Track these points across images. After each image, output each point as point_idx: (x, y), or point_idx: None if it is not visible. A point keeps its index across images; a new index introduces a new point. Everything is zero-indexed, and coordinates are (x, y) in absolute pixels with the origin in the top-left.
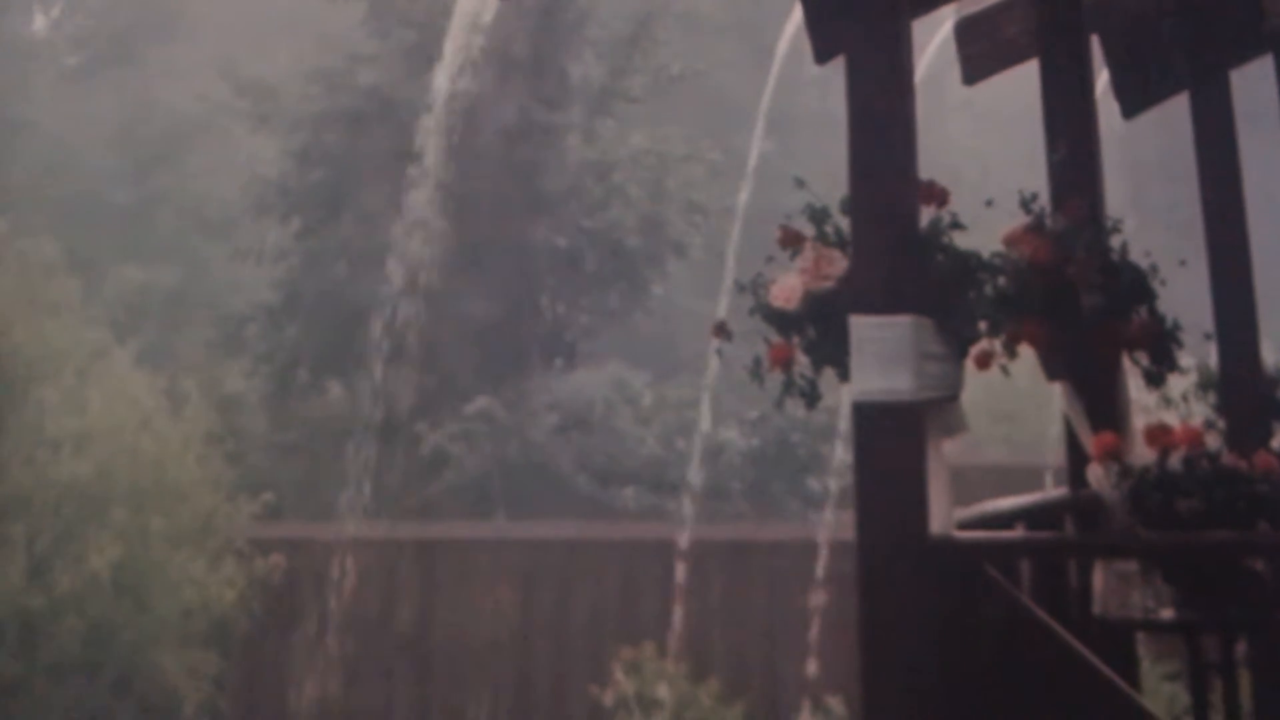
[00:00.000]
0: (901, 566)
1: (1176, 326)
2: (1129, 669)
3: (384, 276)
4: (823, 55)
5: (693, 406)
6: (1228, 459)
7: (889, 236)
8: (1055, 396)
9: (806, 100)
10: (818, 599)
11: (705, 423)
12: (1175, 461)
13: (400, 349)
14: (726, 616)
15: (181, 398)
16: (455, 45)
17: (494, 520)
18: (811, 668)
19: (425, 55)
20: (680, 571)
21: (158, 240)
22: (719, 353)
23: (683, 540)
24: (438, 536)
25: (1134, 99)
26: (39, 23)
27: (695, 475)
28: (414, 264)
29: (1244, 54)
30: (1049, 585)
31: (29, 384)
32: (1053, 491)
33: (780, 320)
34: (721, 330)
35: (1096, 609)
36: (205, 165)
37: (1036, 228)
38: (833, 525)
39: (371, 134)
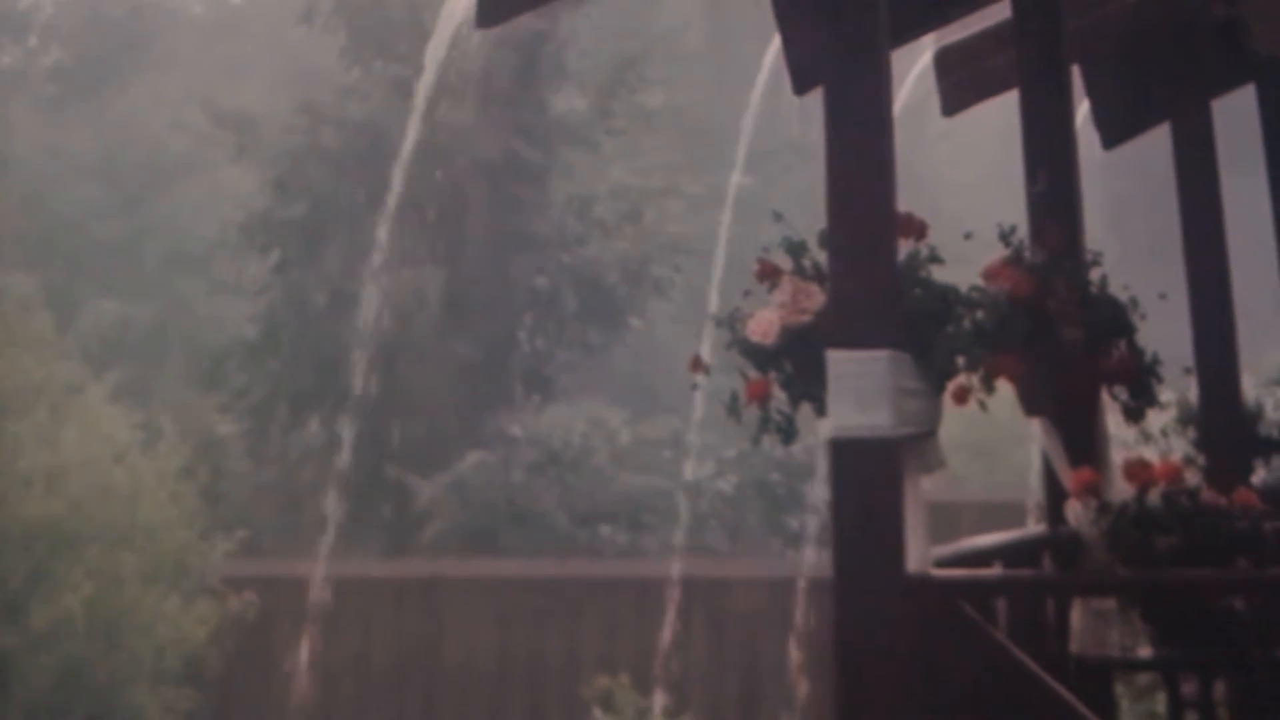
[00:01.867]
0: (877, 604)
1: (1156, 360)
2: (1107, 709)
3: (363, 313)
4: (801, 86)
5: (670, 444)
6: (1207, 495)
7: (867, 270)
8: (1034, 432)
9: (787, 131)
10: (795, 638)
11: (688, 460)
12: (1154, 498)
13: (379, 387)
14: (704, 655)
15: (156, 434)
16: (433, 78)
17: (472, 558)
18: (789, 707)
19: (407, 88)
20: (659, 609)
21: (138, 275)
22: (694, 387)
23: (663, 578)
24: (414, 574)
25: (1114, 129)
26: (14, 54)
27: (676, 513)
28: (393, 302)
29: (1226, 83)
30: (1026, 623)
31: (2, 419)
32: (1031, 528)
33: (757, 355)
34: (698, 364)
35: (1074, 647)
36: (186, 199)
37: (1015, 261)
38: (811, 563)
39: (352, 167)
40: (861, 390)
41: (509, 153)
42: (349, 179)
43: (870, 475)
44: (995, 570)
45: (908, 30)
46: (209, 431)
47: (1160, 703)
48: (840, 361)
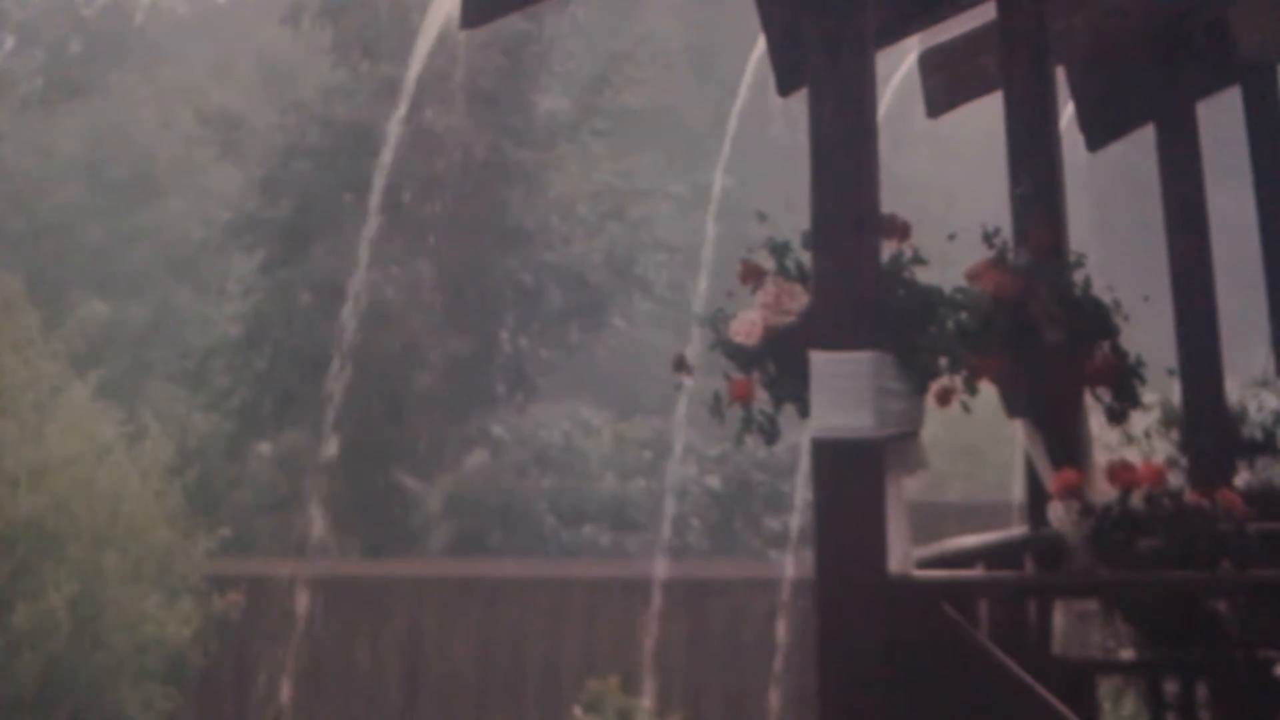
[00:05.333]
0: (859, 605)
1: (1139, 362)
2: (1089, 711)
3: (349, 311)
4: (785, 87)
5: (652, 444)
6: (1190, 497)
7: (850, 271)
8: (1017, 433)
9: (771, 131)
10: (778, 638)
11: (674, 460)
12: (1137, 499)
13: (362, 385)
14: (687, 655)
15: (142, 432)
16: (419, 78)
17: (457, 558)
18: (772, 708)
19: (394, 88)
20: (642, 610)
21: (125, 274)
22: (677, 387)
23: (648, 577)
24: (396, 574)
25: (1099, 132)
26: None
27: (662, 513)
28: (379, 300)
29: (1211, 86)
30: (1009, 625)
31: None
32: (1013, 530)
33: (740, 355)
34: (682, 365)
35: (1056, 649)
36: (173, 198)
37: (999, 262)
38: (793, 564)
39: (339, 166)
40: (844, 391)
41: (494, 152)
42: (335, 178)
43: (852, 476)
44: (977, 571)
45: (893, 32)
46: (195, 430)
47: (1127, 707)
48: (823, 362)
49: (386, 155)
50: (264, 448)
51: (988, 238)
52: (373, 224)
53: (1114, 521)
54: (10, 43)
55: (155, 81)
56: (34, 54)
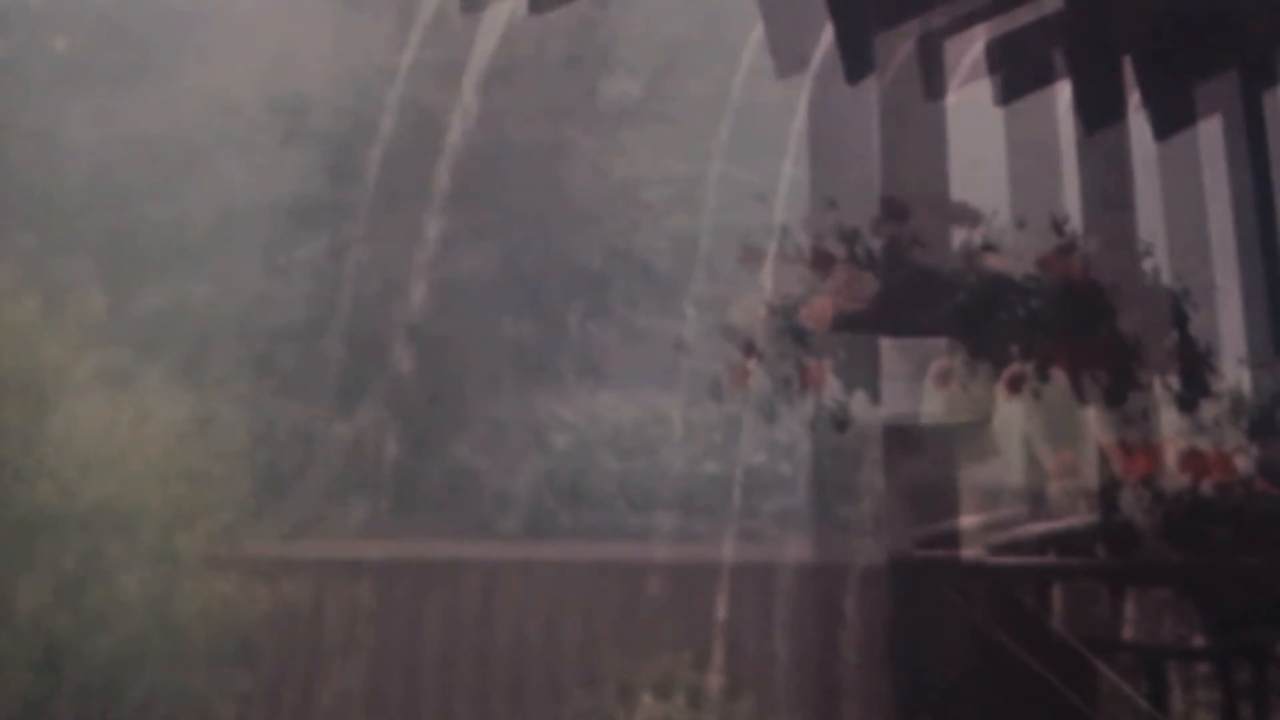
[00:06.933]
0: (933, 589)
1: (1209, 350)
2: (1161, 696)
3: (415, 295)
4: (855, 75)
5: (719, 429)
6: (1260, 485)
7: (920, 258)
8: (1090, 420)
9: (838, 120)
10: (848, 622)
11: (744, 446)
12: (1207, 487)
13: (430, 369)
14: (757, 638)
15: (211, 416)
16: (481, 61)
17: (525, 542)
18: (842, 693)
19: (459, 72)
20: (711, 593)
21: (187, 259)
22: (748, 375)
23: (719, 561)
24: (465, 556)
25: (1166, 120)
26: (59, 42)
27: (728, 498)
28: (445, 284)
29: (1273, 75)
30: (1078, 611)
31: (58, 402)
32: (1083, 516)
33: (810, 342)
34: (751, 351)
35: (1128, 635)
36: (236, 181)
37: (1069, 250)
38: (863, 549)
39: (402, 152)
40: (915, 378)
41: (561, 136)
42: (399, 162)
43: (923, 462)
44: (1050, 558)
45: (896, 17)
46: (263, 413)
47: (1200, 694)
48: (894, 349)
49: (451, 139)
50: (332, 431)
51: (1057, 225)
52: (436, 208)
53: (1185, 509)
54: (79, 32)
55: (219, 65)
56: (100, 37)
